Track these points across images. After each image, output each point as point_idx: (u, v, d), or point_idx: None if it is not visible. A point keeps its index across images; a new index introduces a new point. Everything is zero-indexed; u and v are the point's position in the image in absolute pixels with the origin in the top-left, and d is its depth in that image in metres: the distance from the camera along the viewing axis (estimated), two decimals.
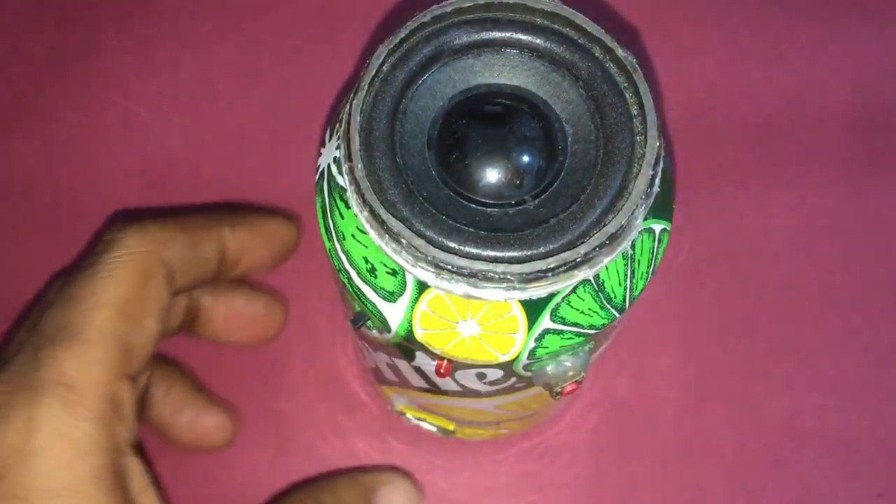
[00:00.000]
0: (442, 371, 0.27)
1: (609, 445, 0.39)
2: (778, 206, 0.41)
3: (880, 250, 0.41)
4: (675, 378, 0.40)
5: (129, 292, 0.29)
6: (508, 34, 0.26)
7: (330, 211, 0.26)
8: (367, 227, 0.25)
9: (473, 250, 0.24)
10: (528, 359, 0.26)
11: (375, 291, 0.26)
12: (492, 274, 0.23)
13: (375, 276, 0.26)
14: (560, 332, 0.26)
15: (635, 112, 0.25)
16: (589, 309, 0.25)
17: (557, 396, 0.27)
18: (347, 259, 0.26)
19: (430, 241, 0.24)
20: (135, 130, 0.43)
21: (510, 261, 0.24)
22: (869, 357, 0.40)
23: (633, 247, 0.26)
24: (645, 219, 0.25)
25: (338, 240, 0.26)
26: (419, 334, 0.25)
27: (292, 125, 0.42)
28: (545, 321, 0.25)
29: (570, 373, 0.27)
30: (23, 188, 0.42)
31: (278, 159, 0.42)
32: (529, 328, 0.25)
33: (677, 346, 0.40)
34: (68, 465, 0.26)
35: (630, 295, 0.26)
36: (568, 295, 0.25)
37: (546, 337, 0.26)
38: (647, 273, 0.26)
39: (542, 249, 0.24)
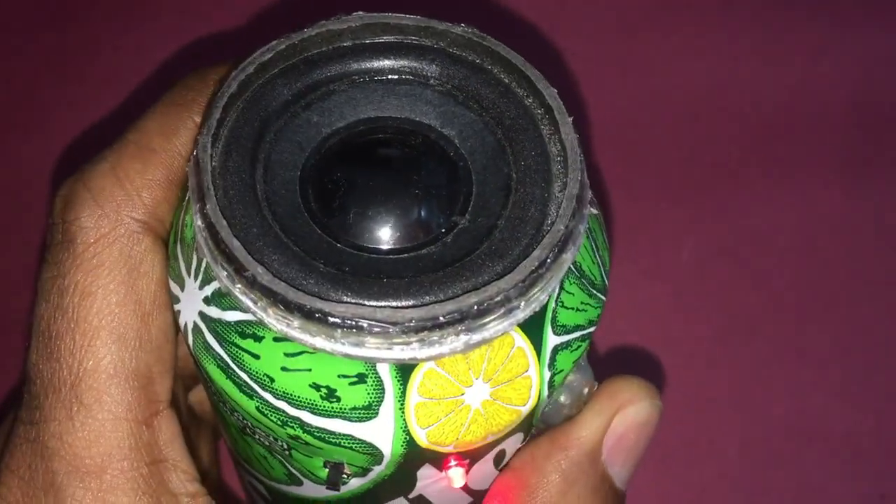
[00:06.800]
0: (459, 477, 0.21)
1: None
2: (778, 205, 0.41)
3: (881, 249, 0.41)
4: (677, 378, 0.39)
5: (120, 311, 0.22)
6: (383, 61, 0.22)
7: (234, 362, 0.20)
8: (304, 338, 0.19)
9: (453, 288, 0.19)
10: (547, 397, 0.21)
11: (345, 418, 0.20)
12: (489, 300, 0.19)
13: (338, 399, 0.20)
14: (568, 345, 0.21)
15: (556, 152, 0.21)
16: (581, 303, 0.22)
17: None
18: (290, 402, 0.20)
19: (396, 309, 0.19)
20: None
21: (501, 275, 0.20)
22: (871, 357, 0.40)
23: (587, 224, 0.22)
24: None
25: (264, 389, 0.20)
26: (422, 436, 0.20)
27: None
28: (550, 337, 0.21)
29: (585, 389, 0.23)
30: (23, 188, 0.42)
31: None
32: (539, 355, 0.21)
33: (678, 346, 0.40)
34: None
35: (603, 270, 0.23)
36: (559, 296, 0.21)
37: (558, 357, 0.21)
38: (605, 242, 0.23)
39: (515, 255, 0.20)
